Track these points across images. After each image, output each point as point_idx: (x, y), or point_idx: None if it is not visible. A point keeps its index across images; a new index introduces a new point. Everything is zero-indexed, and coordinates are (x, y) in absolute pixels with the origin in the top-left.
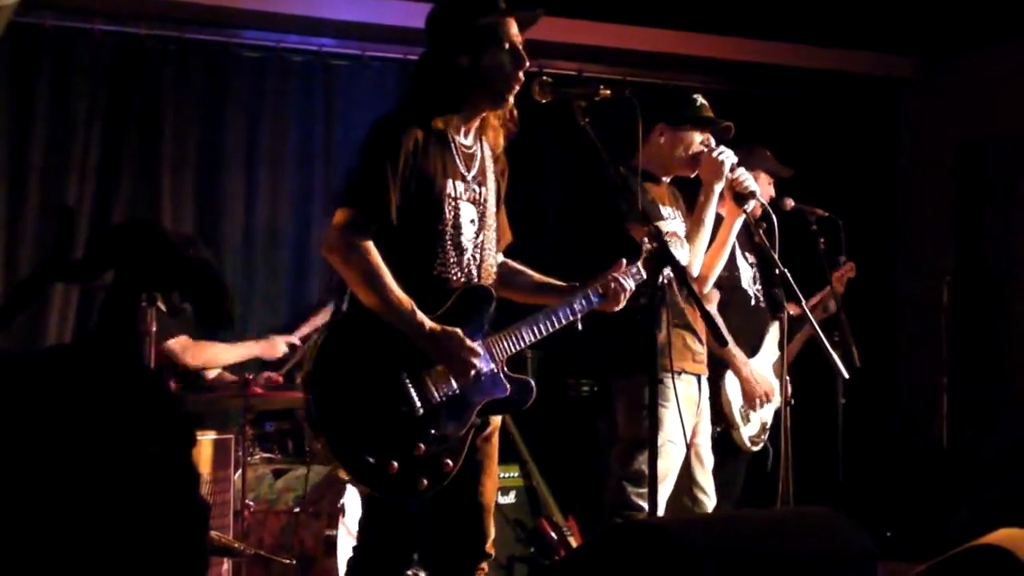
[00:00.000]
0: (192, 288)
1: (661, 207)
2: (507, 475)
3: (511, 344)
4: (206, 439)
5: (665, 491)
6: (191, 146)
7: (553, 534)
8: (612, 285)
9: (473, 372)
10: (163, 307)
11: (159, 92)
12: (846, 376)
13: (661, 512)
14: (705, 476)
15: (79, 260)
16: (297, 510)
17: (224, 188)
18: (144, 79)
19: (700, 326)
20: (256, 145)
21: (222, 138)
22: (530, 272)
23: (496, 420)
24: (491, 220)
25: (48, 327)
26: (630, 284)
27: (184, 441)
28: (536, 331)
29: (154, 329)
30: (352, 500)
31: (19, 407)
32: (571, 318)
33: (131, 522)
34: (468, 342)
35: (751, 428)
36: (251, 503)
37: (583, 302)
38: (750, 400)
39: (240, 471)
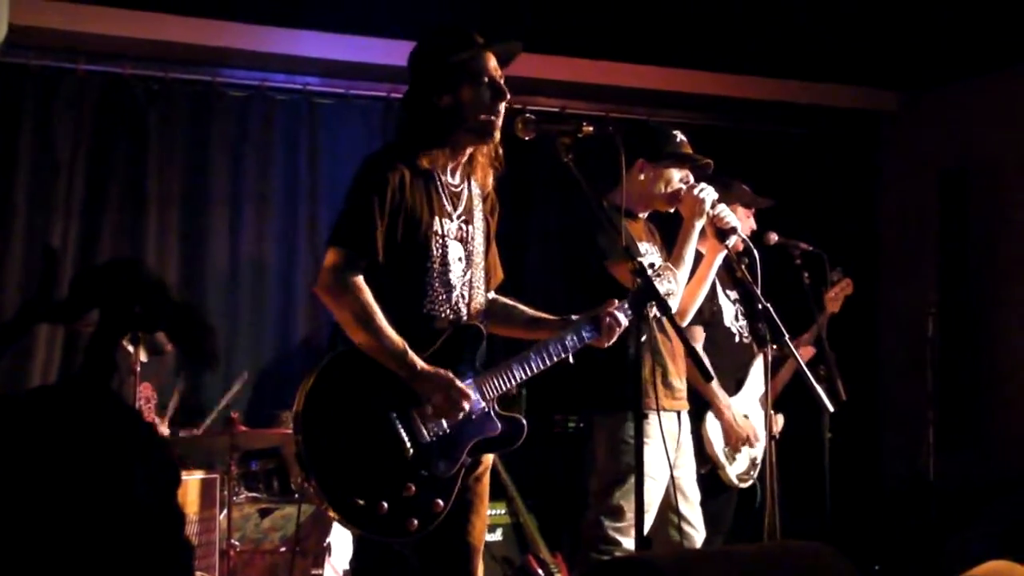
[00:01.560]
0: (177, 328)
1: (638, 243)
2: (494, 512)
3: (502, 382)
4: (192, 479)
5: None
6: (176, 184)
7: (540, 571)
8: (607, 320)
9: (462, 415)
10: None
11: (143, 131)
12: (831, 410)
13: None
14: (691, 509)
15: (63, 300)
16: (283, 549)
17: (209, 226)
18: (128, 118)
19: (679, 362)
20: (241, 183)
21: (207, 176)
22: (521, 307)
23: (487, 460)
24: (479, 258)
25: (33, 368)
26: (623, 320)
27: (170, 482)
28: (528, 368)
29: (139, 369)
30: (338, 539)
31: (3, 449)
32: (563, 355)
33: (116, 564)
34: (459, 384)
35: (738, 466)
36: (237, 543)
37: (574, 338)
38: (732, 444)
39: (225, 511)
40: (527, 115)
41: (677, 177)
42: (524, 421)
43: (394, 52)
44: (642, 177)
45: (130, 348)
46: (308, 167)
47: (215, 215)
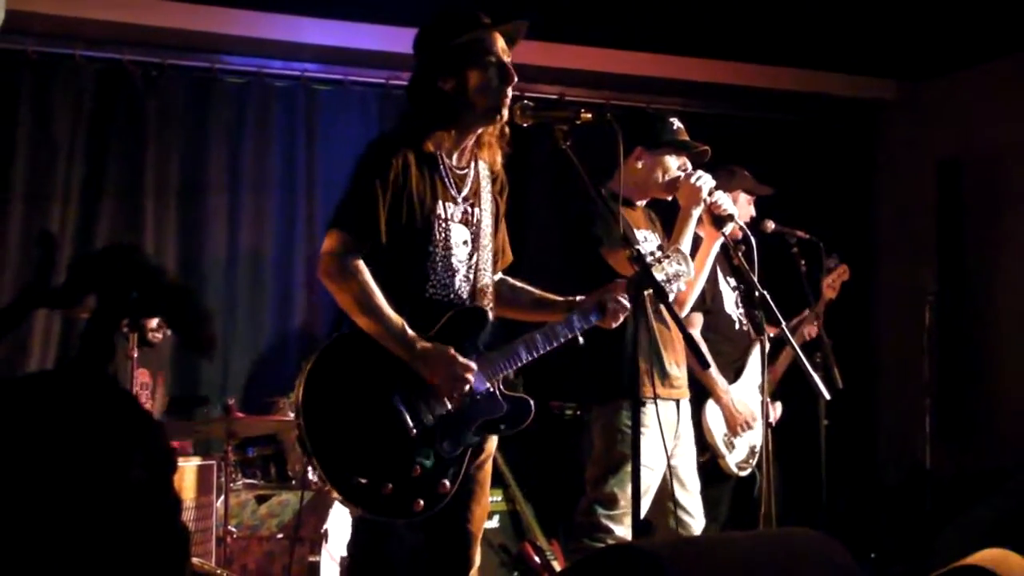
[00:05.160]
0: (174, 314)
1: (636, 230)
2: (491, 499)
3: (507, 363)
4: (189, 465)
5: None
6: (174, 171)
7: (537, 558)
8: (611, 305)
9: (467, 388)
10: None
11: (141, 117)
12: (828, 398)
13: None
14: (690, 498)
15: (61, 286)
16: (280, 536)
17: (207, 212)
18: (126, 104)
19: (676, 350)
20: (239, 169)
21: (205, 163)
22: (530, 288)
23: (491, 447)
24: (486, 240)
25: (30, 353)
26: (627, 303)
27: (165, 467)
28: (534, 350)
29: (135, 355)
30: (335, 526)
31: (1, 433)
32: (570, 336)
33: (112, 549)
34: (460, 358)
35: (737, 455)
36: (234, 529)
37: (582, 321)
38: (732, 428)
39: (223, 497)
40: (525, 102)
41: (675, 164)
42: (531, 401)
43: (392, 39)
44: (640, 165)
45: (127, 335)
46: (306, 153)
47: (213, 201)
